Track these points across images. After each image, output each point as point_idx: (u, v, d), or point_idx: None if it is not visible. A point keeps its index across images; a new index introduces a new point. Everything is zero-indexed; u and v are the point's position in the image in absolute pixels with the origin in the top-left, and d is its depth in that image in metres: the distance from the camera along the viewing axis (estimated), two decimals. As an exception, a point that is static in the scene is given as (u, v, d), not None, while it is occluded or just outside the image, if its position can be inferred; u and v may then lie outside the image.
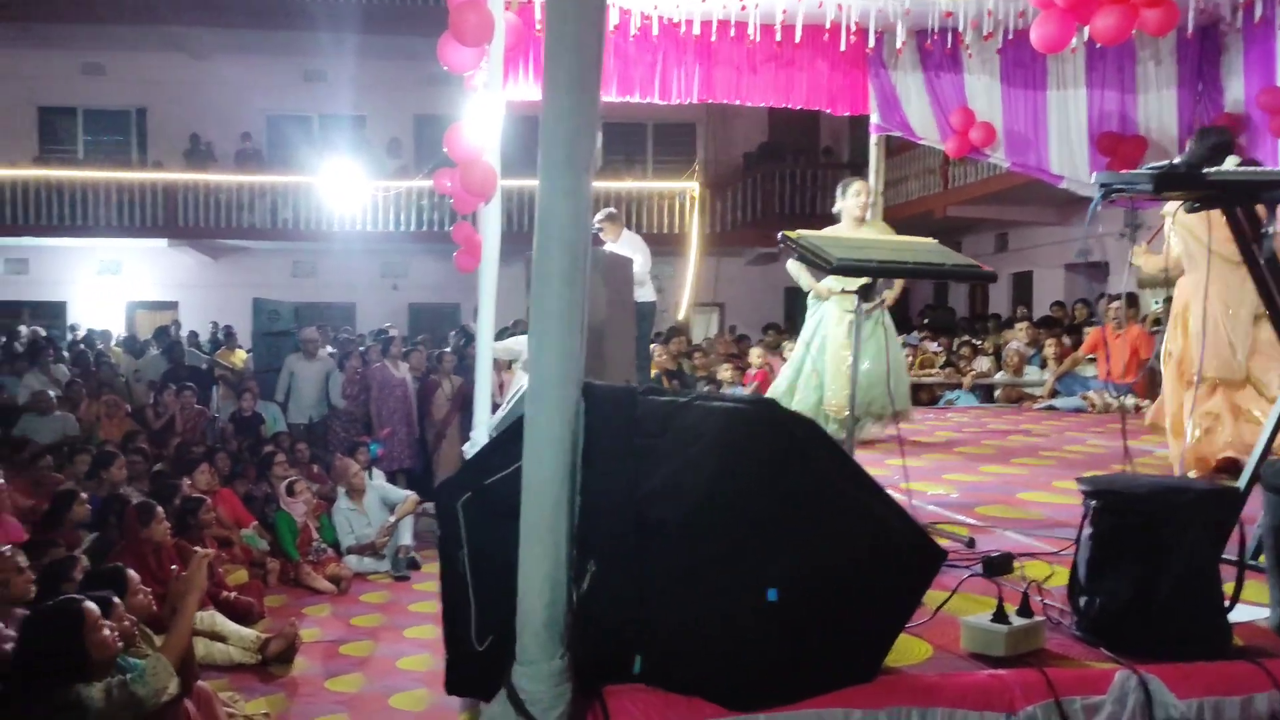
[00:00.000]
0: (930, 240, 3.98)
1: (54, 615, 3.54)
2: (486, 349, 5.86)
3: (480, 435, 5.69)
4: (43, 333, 13.96)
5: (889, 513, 2.19)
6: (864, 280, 3.68)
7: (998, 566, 2.89)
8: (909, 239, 4.25)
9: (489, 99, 5.75)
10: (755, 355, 10.43)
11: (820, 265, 3.54)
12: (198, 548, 4.57)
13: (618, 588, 2.13)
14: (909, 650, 2.29)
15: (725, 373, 10.08)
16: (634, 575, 2.13)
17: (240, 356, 12.72)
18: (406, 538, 7.98)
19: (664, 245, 9.77)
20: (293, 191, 15.76)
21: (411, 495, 8.34)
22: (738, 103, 7.69)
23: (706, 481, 2.10)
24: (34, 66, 16.70)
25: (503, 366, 8.90)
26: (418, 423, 10.13)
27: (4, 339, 13.06)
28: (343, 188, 13.50)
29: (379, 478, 8.52)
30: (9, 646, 3.88)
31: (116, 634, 3.69)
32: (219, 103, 16.65)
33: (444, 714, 5.19)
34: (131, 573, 4.59)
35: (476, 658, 2.33)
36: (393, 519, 7.98)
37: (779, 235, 3.75)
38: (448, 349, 11.48)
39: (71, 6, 15.36)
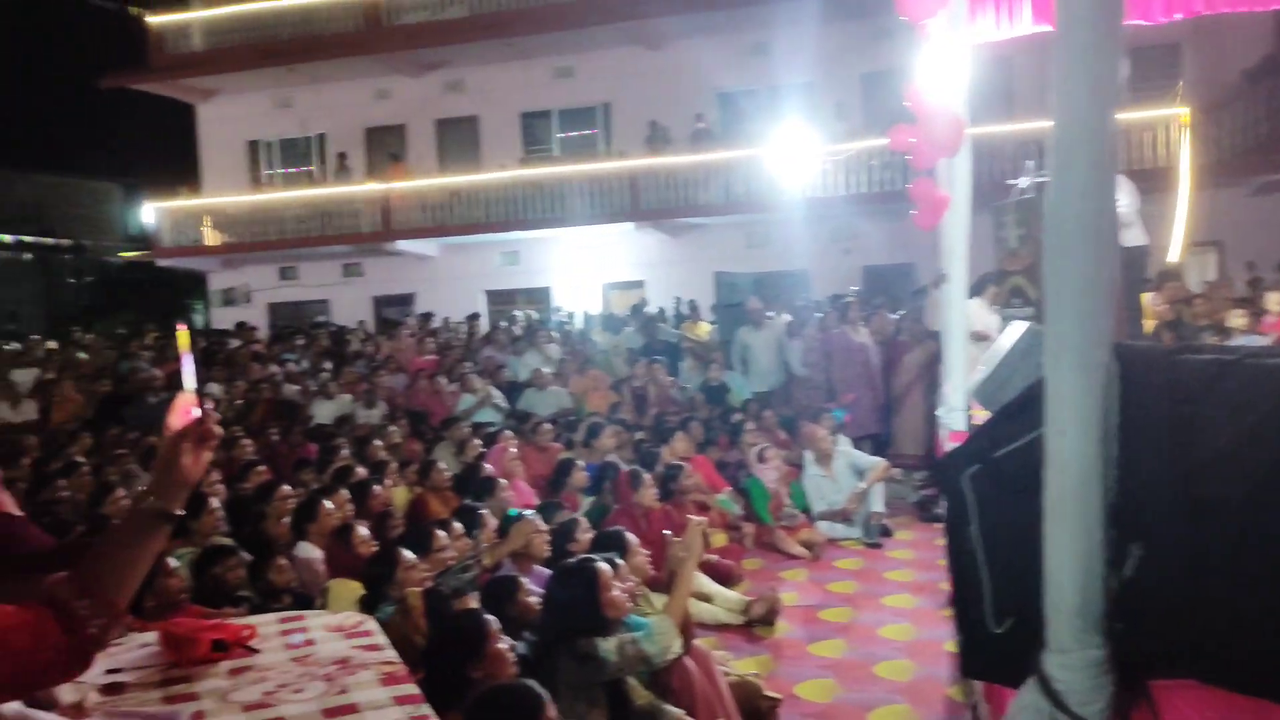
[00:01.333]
0: None
1: (575, 574, 3.85)
2: (959, 307, 5.56)
3: (957, 399, 5.42)
4: (535, 316, 15.58)
5: None
6: None
7: None
8: None
9: (950, 45, 5.42)
10: (1276, 301, 9.04)
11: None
12: (690, 516, 4.73)
13: (1167, 573, 1.86)
14: None
15: (1237, 319, 8.82)
16: (1186, 560, 1.85)
17: (704, 329, 13.33)
18: (878, 504, 7.87)
19: (1147, 181, 8.74)
20: (744, 165, 16.21)
21: (881, 461, 8.23)
22: (1237, 11, 6.63)
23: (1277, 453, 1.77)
24: (516, 77, 18.66)
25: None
26: (881, 388, 9.96)
27: (503, 324, 14.75)
28: (792, 157, 13.63)
29: (845, 444, 8.48)
30: (533, 599, 4.30)
31: (624, 594, 3.94)
32: (674, 88, 17.54)
33: (930, 685, 5.05)
34: (631, 536, 4.91)
35: (994, 641, 2.17)
36: (863, 485, 7.91)
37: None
38: (904, 311, 11.20)
39: (548, 17, 16.96)
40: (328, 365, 13.02)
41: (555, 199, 17.39)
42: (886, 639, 5.73)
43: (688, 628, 4.12)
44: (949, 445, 5.82)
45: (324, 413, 11.05)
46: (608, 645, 3.70)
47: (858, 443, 8.92)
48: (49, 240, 27.75)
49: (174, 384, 11.39)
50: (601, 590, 3.82)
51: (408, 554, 4.36)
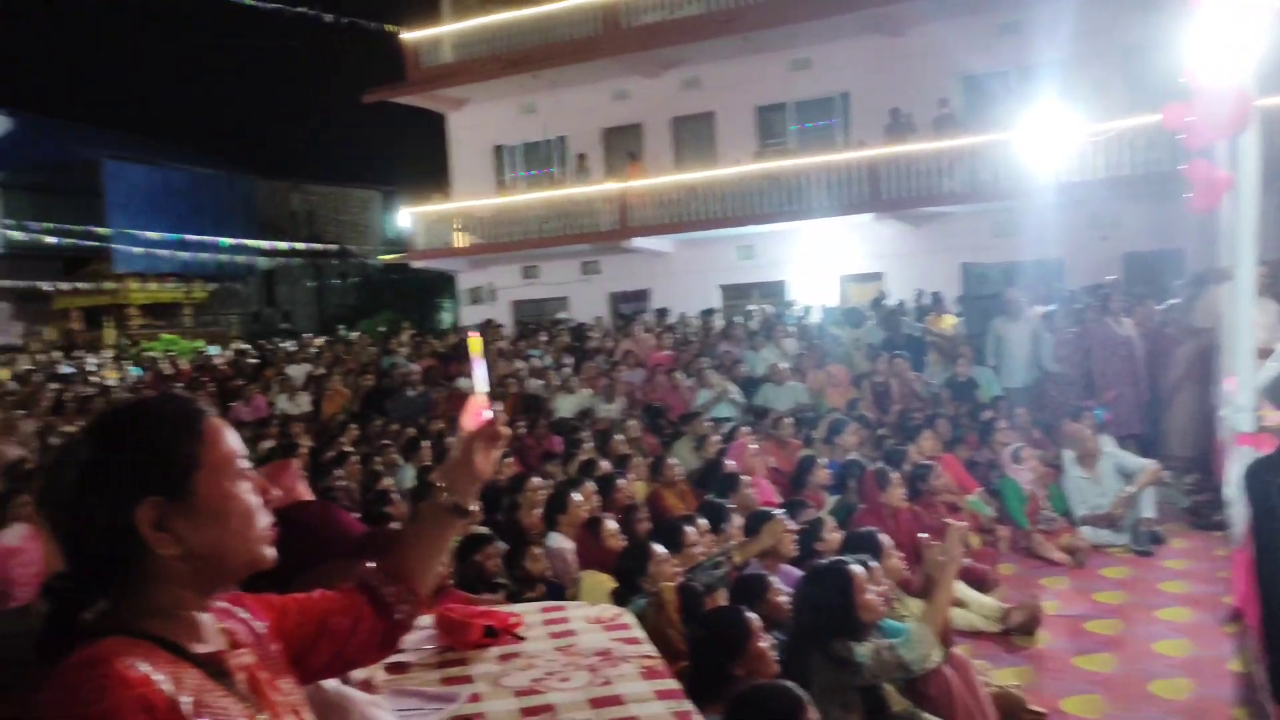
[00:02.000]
0: None
1: (828, 575, 3.76)
2: (1246, 299, 5.07)
3: (1244, 398, 4.94)
4: (770, 310, 15.47)
5: None
6: None
7: None
8: None
9: (1236, 11, 4.93)
10: None
11: None
12: (948, 521, 4.53)
13: None
14: None
15: None
16: None
17: (949, 321, 12.83)
18: (1148, 510, 7.30)
19: None
20: (991, 151, 15.50)
21: (1152, 463, 7.63)
22: None
23: None
24: (751, 71, 18.61)
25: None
26: (1146, 384, 9.25)
27: (739, 318, 14.74)
28: (1045, 139, 12.89)
29: (1110, 444, 7.93)
30: (782, 599, 4.24)
31: (880, 597, 3.81)
32: (916, 74, 16.98)
33: (1211, 706, 4.66)
34: (884, 537, 4.77)
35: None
36: (1132, 488, 7.36)
37: None
38: (1173, 301, 10.36)
39: (784, 10, 16.83)
40: (569, 361, 13.43)
41: (791, 192, 17.22)
42: (1161, 654, 5.31)
43: (947, 635, 3.95)
44: (1235, 449, 5.32)
45: (566, 406, 11.40)
46: (863, 650, 3.59)
47: (1121, 443, 8.32)
48: (318, 246, 30.07)
49: (430, 379, 12.02)
50: (856, 593, 3.71)
51: (660, 549, 4.39)
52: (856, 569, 3.75)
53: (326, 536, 1.95)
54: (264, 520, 1.39)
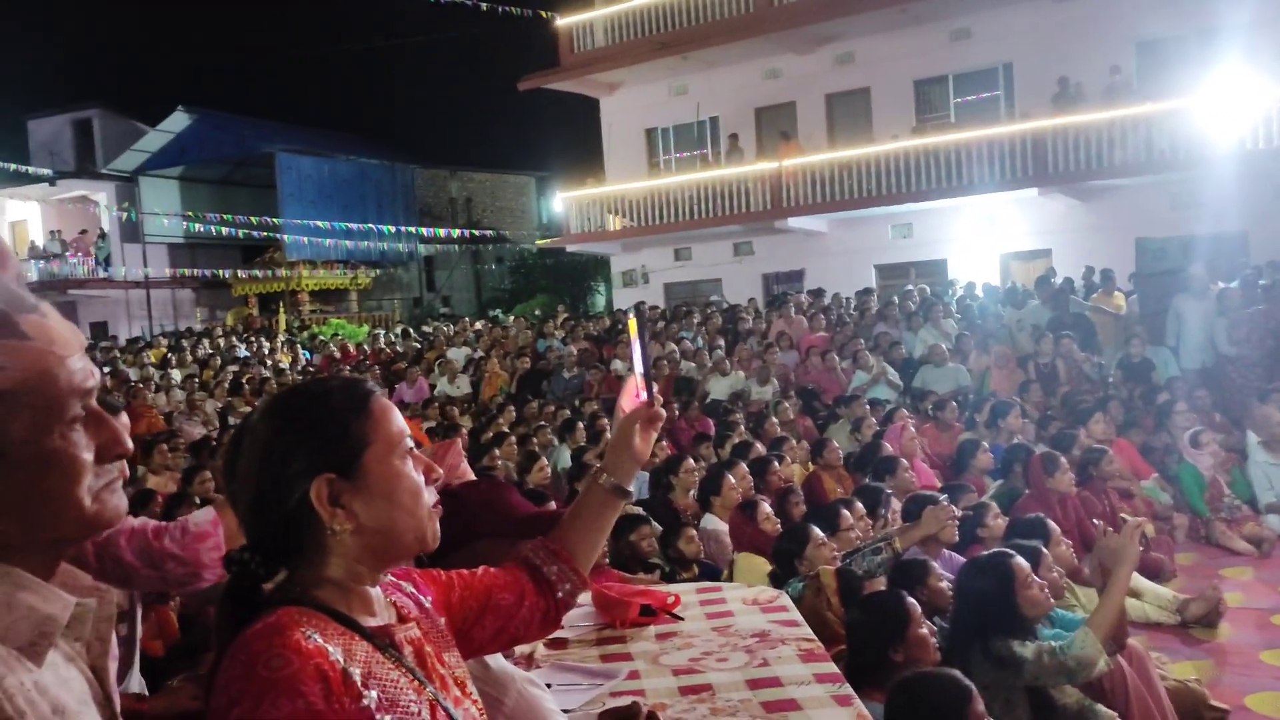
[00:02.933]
0: None
1: (989, 567, 3.62)
2: None
3: None
4: (929, 291, 15.05)
5: None
6: None
7: None
8: None
9: None
10: None
11: None
12: (1125, 515, 4.32)
13: None
14: None
15: None
16: None
17: (1120, 300, 12.22)
18: (1345, 500, 6.81)
19: None
20: (1168, 119, 14.64)
21: (1348, 450, 7.11)
22: None
23: None
24: (909, 43, 18.10)
25: None
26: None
27: (896, 298, 14.39)
28: (1228, 107, 12.07)
29: (1301, 428, 7.40)
30: (944, 584, 4.12)
31: (1046, 590, 3.65)
32: (1085, 41, 16.19)
33: None
34: (1052, 524, 4.58)
35: None
36: (1326, 477, 6.88)
37: None
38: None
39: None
40: (721, 343, 13.40)
41: (951, 167, 16.65)
42: (1359, 655, 4.94)
43: (1121, 627, 3.75)
44: None
45: (719, 389, 11.38)
46: (1025, 650, 3.44)
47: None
48: (475, 231, 30.85)
49: (584, 361, 12.20)
50: (1019, 587, 3.56)
51: (818, 531, 4.33)
52: (1019, 561, 3.60)
53: (492, 516, 1.99)
54: (429, 499, 1.42)
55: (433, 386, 14.06)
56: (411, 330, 22.55)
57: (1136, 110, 15.04)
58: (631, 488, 1.79)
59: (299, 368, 17.36)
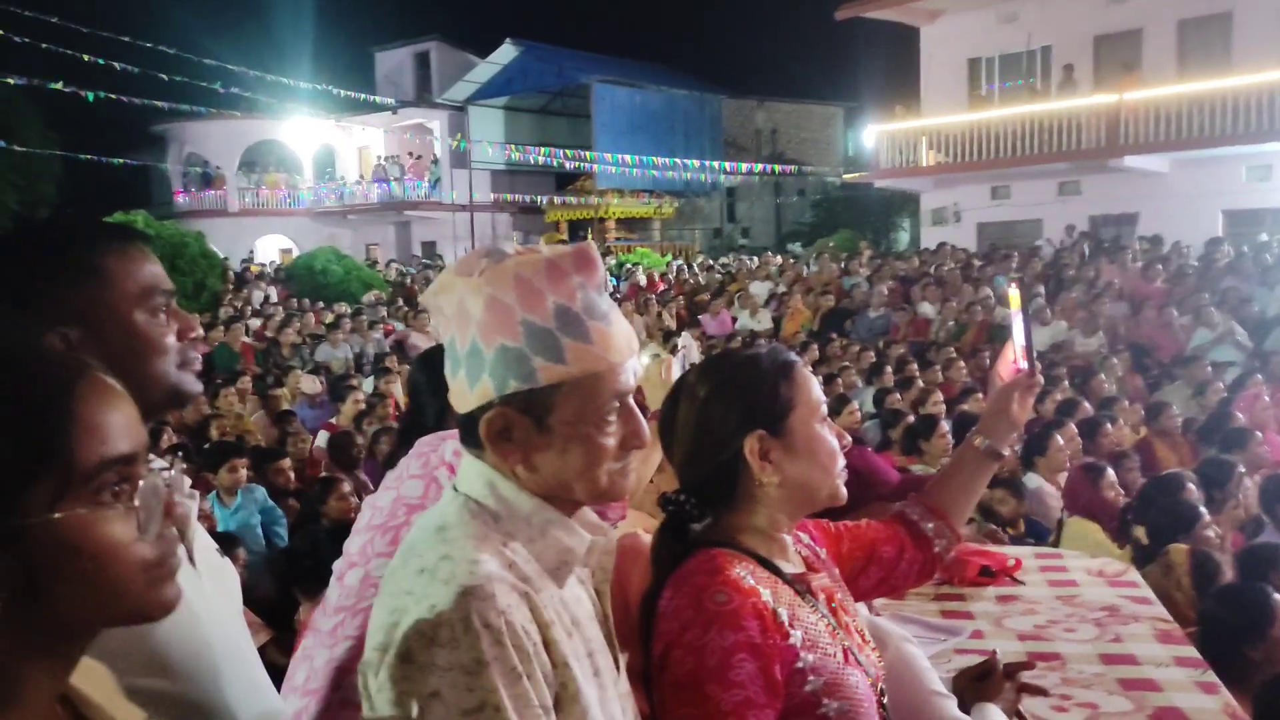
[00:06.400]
0: None
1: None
2: None
3: None
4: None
5: None
6: None
7: None
8: None
9: None
10: None
11: None
12: None
13: None
14: None
15: None
16: None
17: None
18: None
19: None
20: None
21: None
22: None
23: None
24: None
25: None
26: None
27: (1246, 250, 13.02)
28: None
29: None
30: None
31: None
32: None
33: None
34: None
35: None
36: None
37: None
38: None
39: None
40: (1041, 289, 12.65)
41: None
42: None
43: None
44: None
45: (1038, 338, 10.79)
46: None
47: None
48: (778, 166, 30.61)
49: (891, 302, 11.90)
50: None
51: (1208, 516, 4.00)
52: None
53: (870, 481, 2.03)
54: (842, 461, 1.54)
55: (734, 319, 14.23)
56: (713, 262, 22.88)
57: None
58: (1005, 450, 1.84)
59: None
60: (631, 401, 1.23)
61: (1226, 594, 3.19)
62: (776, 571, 1.46)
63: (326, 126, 31.58)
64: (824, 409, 1.54)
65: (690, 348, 2.48)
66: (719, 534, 1.48)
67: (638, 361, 1.25)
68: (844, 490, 1.53)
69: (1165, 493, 4.45)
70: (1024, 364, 1.84)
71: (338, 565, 1.90)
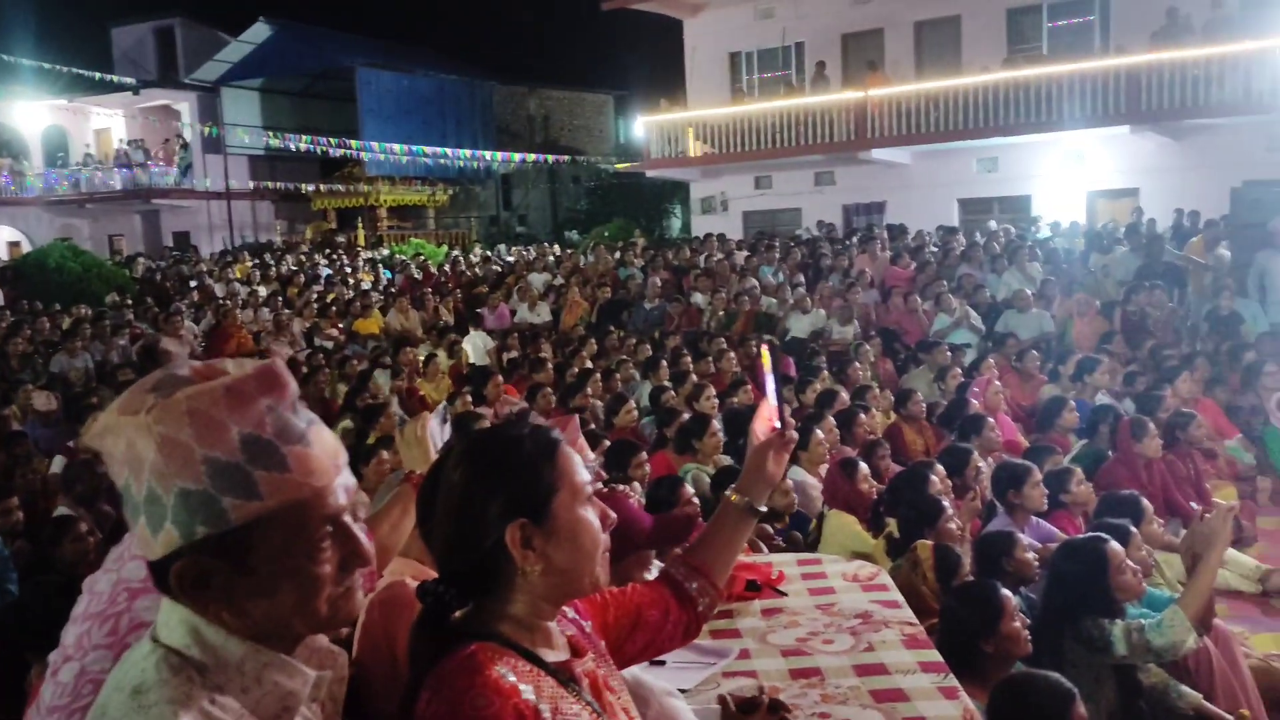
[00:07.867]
0: None
1: (1083, 552, 3.71)
2: None
3: None
4: (1014, 231, 14.83)
5: None
6: None
7: None
8: None
9: None
10: None
11: None
12: (1218, 501, 4.38)
13: None
14: None
15: None
16: None
17: (1207, 246, 11.94)
18: None
19: None
20: (1270, 57, 14.11)
21: None
22: None
23: None
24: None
25: None
26: None
27: (980, 237, 14.21)
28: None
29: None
30: (1029, 556, 4.20)
31: (1138, 574, 3.75)
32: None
33: None
34: (1146, 502, 4.65)
35: None
36: None
37: None
38: None
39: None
40: (801, 279, 13.35)
41: (1041, 101, 16.23)
42: None
43: (1208, 615, 3.84)
44: None
45: (799, 327, 11.40)
46: (1115, 630, 3.56)
47: None
48: (550, 156, 30.71)
49: (665, 293, 12.16)
50: (1113, 573, 3.66)
51: (949, 510, 4.36)
52: (1114, 547, 3.69)
53: (625, 531, 2.14)
54: (605, 543, 1.53)
55: (513, 313, 14.23)
56: (491, 254, 22.76)
57: (1238, 48, 14.50)
58: (762, 506, 1.93)
59: (380, 287, 17.66)
60: (347, 520, 1.16)
61: (960, 590, 3.53)
62: (539, 662, 1.43)
63: (56, 108, 29.08)
64: (588, 488, 1.52)
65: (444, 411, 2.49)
66: (479, 623, 1.44)
67: (348, 477, 1.16)
68: (605, 578, 1.54)
69: (910, 486, 4.83)
70: (777, 423, 1.91)
71: (53, 658, 1.68)
